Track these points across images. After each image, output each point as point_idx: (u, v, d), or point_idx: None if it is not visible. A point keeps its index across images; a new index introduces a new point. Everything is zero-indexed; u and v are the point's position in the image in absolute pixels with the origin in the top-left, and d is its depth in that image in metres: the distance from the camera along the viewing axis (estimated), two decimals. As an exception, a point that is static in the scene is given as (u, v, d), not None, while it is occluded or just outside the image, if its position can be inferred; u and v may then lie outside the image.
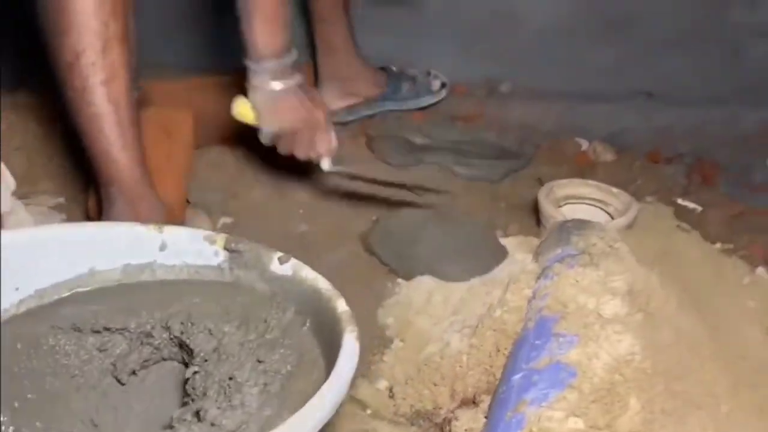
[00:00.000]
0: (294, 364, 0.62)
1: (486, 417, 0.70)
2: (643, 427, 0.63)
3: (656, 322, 0.80)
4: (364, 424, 0.71)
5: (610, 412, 0.63)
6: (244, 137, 1.32)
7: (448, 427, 0.70)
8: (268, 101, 1.00)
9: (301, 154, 1.03)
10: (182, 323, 0.67)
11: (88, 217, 0.96)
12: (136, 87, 0.86)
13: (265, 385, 0.59)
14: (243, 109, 1.03)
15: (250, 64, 0.98)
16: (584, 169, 1.37)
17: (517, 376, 0.68)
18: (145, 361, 0.68)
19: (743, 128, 1.46)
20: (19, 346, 0.66)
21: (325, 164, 1.05)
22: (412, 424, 0.72)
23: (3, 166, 0.83)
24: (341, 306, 0.63)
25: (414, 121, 1.47)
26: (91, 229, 0.74)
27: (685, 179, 1.36)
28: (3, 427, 0.60)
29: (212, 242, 0.75)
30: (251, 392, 0.58)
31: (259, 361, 0.62)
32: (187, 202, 1.10)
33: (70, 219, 0.94)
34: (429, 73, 1.52)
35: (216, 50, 1.59)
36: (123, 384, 0.67)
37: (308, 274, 0.69)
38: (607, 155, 1.41)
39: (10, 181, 0.83)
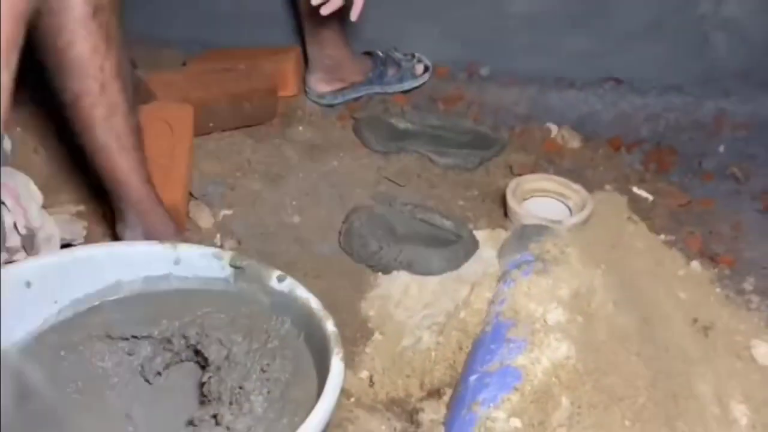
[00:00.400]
0: (291, 372, 0.77)
1: (447, 409, 0.85)
2: (569, 420, 0.79)
3: (594, 323, 0.95)
4: (347, 412, 0.86)
5: (544, 411, 0.79)
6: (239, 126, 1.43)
7: (416, 416, 0.85)
8: None
9: None
10: (197, 333, 0.80)
11: (105, 217, 1.08)
12: (134, 114, 0.96)
13: (268, 392, 0.74)
14: None
15: None
16: (552, 155, 1.49)
17: (473, 377, 0.83)
18: (168, 363, 0.82)
19: (701, 116, 1.58)
20: (62, 353, 0.80)
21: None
22: (388, 410, 0.88)
23: (31, 182, 0.94)
24: (330, 327, 0.77)
25: (397, 103, 1.58)
26: (117, 248, 0.87)
27: (642, 166, 1.49)
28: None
29: (219, 259, 0.87)
30: (257, 399, 0.73)
31: (263, 370, 0.76)
32: (191, 194, 1.22)
33: (91, 225, 1.05)
34: (413, 56, 1.61)
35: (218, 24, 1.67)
36: (150, 383, 0.82)
37: (302, 293, 0.82)
38: (574, 142, 1.53)
39: (37, 196, 0.94)
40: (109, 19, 0.89)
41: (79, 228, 0.97)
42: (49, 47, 0.86)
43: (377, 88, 1.58)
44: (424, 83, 1.60)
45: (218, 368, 0.77)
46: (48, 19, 0.84)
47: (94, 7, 0.85)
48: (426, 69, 1.61)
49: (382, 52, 1.59)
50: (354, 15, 1.27)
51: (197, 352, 0.81)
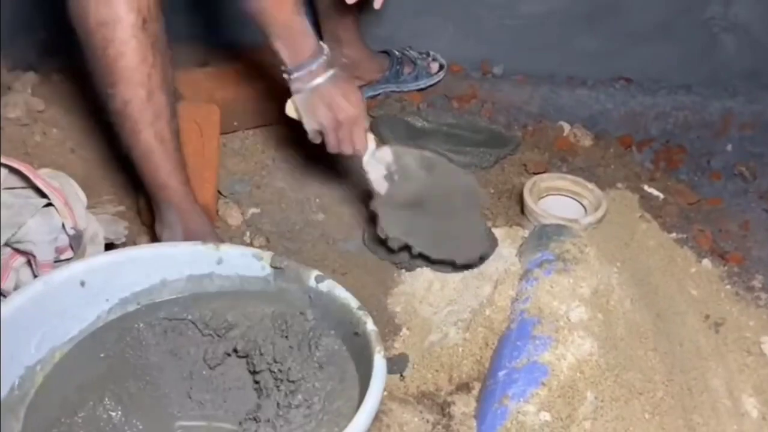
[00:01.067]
0: (337, 380, 0.80)
1: (477, 401, 0.90)
2: (594, 414, 0.84)
3: (613, 320, 1.00)
4: (381, 405, 0.90)
5: (570, 404, 0.84)
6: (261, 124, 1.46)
7: (447, 410, 0.90)
8: (303, 102, 1.06)
9: (344, 149, 1.10)
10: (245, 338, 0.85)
11: (139, 214, 1.12)
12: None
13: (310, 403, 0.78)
14: (290, 109, 1.10)
15: (283, 75, 1.06)
16: (565, 153, 1.53)
17: (501, 373, 0.88)
18: (226, 353, 0.86)
19: (709, 116, 1.63)
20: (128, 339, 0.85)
21: (364, 159, 1.12)
22: (419, 403, 0.93)
23: (75, 184, 0.98)
24: (370, 325, 0.81)
25: (413, 101, 1.61)
26: (163, 249, 0.91)
27: (652, 165, 1.53)
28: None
29: (259, 259, 0.91)
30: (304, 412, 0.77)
31: (306, 380, 0.80)
32: (219, 193, 1.25)
33: (131, 225, 1.09)
34: (428, 55, 1.64)
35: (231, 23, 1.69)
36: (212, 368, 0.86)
37: (341, 293, 0.86)
38: (586, 140, 1.57)
39: (82, 197, 0.98)
40: (157, 28, 0.92)
41: (121, 228, 1.01)
42: (99, 57, 0.89)
43: (393, 87, 1.61)
44: (438, 81, 1.64)
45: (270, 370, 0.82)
46: (99, 30, 0.88)
47: (144, 18, 0.88)
48: (441, 67, 1.64)
49: (398, 51, 1.62)
50: (377, 3, 1.29)
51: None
